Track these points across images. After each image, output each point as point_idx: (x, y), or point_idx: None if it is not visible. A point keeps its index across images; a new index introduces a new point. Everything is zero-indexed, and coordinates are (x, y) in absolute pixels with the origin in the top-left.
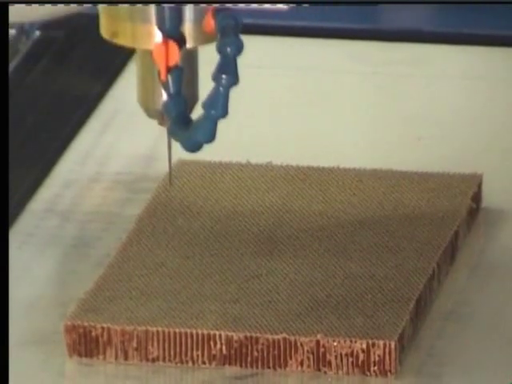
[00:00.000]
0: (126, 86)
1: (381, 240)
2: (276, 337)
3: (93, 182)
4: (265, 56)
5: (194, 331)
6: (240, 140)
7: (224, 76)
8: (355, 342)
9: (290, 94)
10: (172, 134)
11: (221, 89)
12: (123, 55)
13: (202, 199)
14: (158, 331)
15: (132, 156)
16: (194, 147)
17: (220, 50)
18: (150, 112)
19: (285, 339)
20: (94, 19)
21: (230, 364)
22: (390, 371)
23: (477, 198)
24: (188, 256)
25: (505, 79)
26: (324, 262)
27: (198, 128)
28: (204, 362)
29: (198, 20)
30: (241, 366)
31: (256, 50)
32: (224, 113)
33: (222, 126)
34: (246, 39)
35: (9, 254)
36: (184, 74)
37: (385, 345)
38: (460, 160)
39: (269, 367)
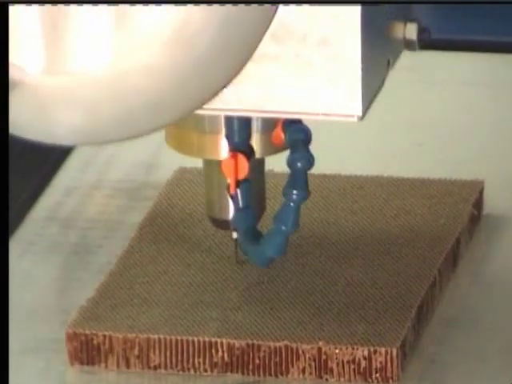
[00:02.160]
0: None
1: (382, 247)
2: (278, 344)
3: (94, 189)
4: None
5: (196, 339)
6: None
7: (295, 191)
8: (357, 349)
9: None
10: (241, 247)
11: (291, 204)
12: None
13: (203, 207)
14: (159, 339)
15: (133, 163)
16: (264, 262)
17: (290, 165)
18: (217, 222)
19: (286, 346)
20: None
21: (231, 371)
22: (392, 378)
23: (478, 204)
24: (189, 263)
25: (506, 86)
26: (325, 269)
27: (268, 243)
28: (206, 370)
29: (267, 131)
30: (242, 373)
31: None
32: (295, 228)
33: None
34: None
35: (10, 262)
36: (252, 184)
37: (387, 352)
38: (461, 166)
39: (270, 375)
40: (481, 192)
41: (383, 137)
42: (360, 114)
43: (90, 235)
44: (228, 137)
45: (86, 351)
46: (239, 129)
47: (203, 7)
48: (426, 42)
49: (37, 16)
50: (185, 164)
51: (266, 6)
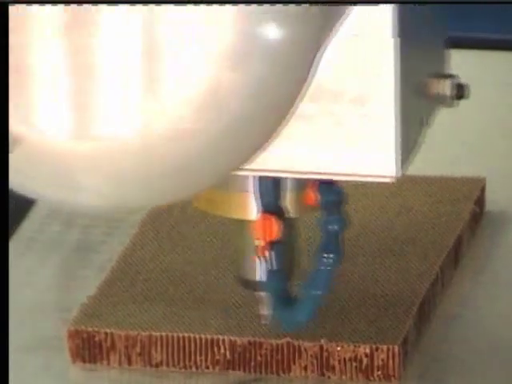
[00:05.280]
0: None
1: (384, 244)
2: (279, 342)
3: None
4: None
5: (198, 336)
6: None
7: (327, 255)
8: (359, 346)
9: None
10: (272, 309)
11: (323, 268)
12: None
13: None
14: (161, 336)
15: None
16: (294, 327)
17: (323, 228)
18: (245, 282)
19: (288, 344)
20: None
21: (233, 369)
22: (394, 376)
23: (480, 201)
24: (191, 261)
25: (507, 83)
26: None
27: (299, 308)
28: (208, 367)
29: (298, 190)
30: (244, 370)
31: None
32: (327, 292)
33: None
34: None
35: (11, 259)
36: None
37: (388, 349)
38: (463, 164)
39: (272, 372)
40: (482, 189)
41: None
42: (394, 174)
43: (92, 233)
44: (258, 197)
45: (87, 349)
46: (270, 189)
47: (235, 72)
48: (463, 98)
49: (65, 80)
50: None
51: (300, 69)
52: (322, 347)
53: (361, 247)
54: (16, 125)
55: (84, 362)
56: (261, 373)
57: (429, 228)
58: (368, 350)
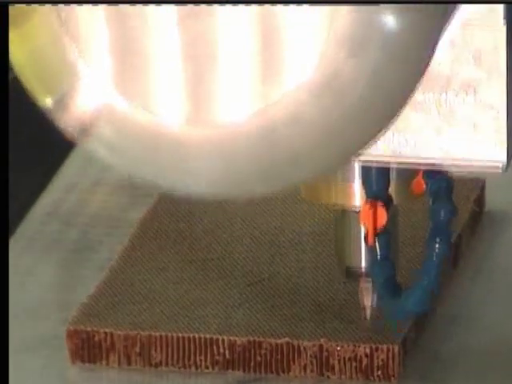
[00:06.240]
0: None
1: None
2: (279, 341)
3: (95, 186)
4: None
5: (197, 336)
6: None
7: (437, 244)
8: (359, 346)
9: None
10: (380, 300)
11: (434, 257)
12: None
13: (204, 203)
14: (161, 336)
15: None
16: (403, 316)
17: (432, 215)
18: (349, 272)
19: (288, 343)
20: None
21: (233, 369)
22: (394, 376)
23: (480, 201)
24: (190, 260)
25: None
26: (327, 266)
27: (409, 297)
28: (207, 367)
29: (405, 179)
30: (244, 370)
31: None
32: (437, 281)
33: None
34: None
35: (11, 259)
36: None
37: (388, 349)
38: None
39: (272, 372)
40: (482, 189)
41: None
42: (505, 162)
43: (91, 232)
44: (365, 185)
45: (86, 348)
46: (378, 177)
47: (353, 59)
48: None
49: (181, 66)
50: None
51: (418, 59)
52: (321, 347)
53: None
54: (127, 108)
55: (83, 361)
56: (260, 373)
57: (428, 227)
58: (368, 350)
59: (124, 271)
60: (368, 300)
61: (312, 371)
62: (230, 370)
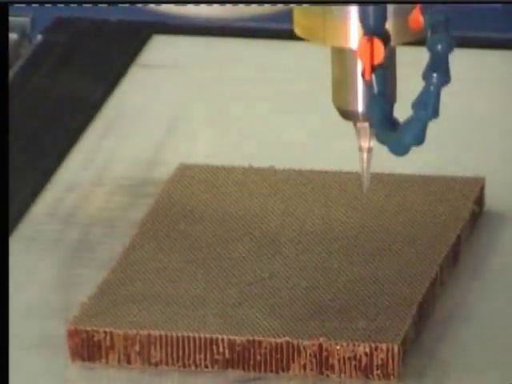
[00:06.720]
0: (128, 90)
1: (383, 243)
2: (279, 340)
3: (95, 186)
4: (271, 59)
5: (197, 335)
6: (242, 144)
7: (435, 75)
8: (358, 345)
9: (292, 97)
10: (377, 137)
11: (432, 88)
12: (125, 59)
13: (204, 203)
14: (160, 335)
15: (134, 160)
16: (402, 150)
17: (430, 48)
18: (346, 113)
19: (288, 343)
20: (95, 23)
21: (232, 368)
22: (393, 375)
23: (479, 201)
24: (190, 260)
25: (507, 82)
26: (326, 266)
27: (406, 130)
28: (207, 366)
29: (403, 16)
30: (243, 369)
31: (260, 55)
32: (435, 113)
33: (224, 130)
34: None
35: (11, 258)
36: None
37: (388, 348)
38: (462, 163)
39: (271, 371)
40: (482, 189)
41: None
42: None
43: (91, 232)
44: (362, 21)
45: (87, 348)
46: (375, 11)
47: None
48: None
49: None
50: (186, 161)
51: None
52: (321, 346)
53: (360, 246)
54: None
55: (83, 360)
56: (260, 372)
57: (428, 227)
58: (367, 349)
59: (124, 271)
60: (365, 141)
61: (312, 370)
62: (229, 369)
